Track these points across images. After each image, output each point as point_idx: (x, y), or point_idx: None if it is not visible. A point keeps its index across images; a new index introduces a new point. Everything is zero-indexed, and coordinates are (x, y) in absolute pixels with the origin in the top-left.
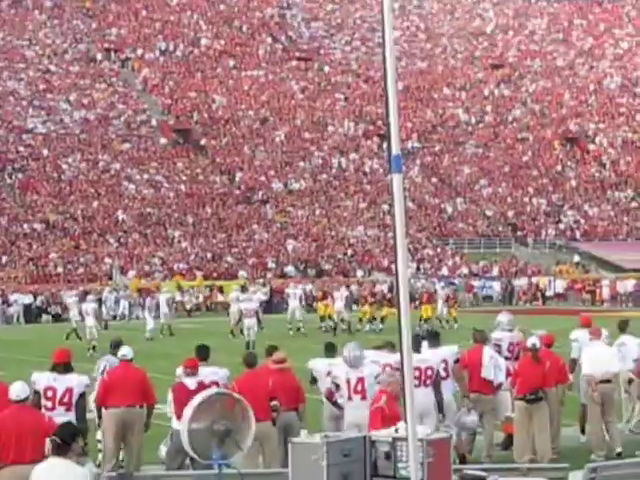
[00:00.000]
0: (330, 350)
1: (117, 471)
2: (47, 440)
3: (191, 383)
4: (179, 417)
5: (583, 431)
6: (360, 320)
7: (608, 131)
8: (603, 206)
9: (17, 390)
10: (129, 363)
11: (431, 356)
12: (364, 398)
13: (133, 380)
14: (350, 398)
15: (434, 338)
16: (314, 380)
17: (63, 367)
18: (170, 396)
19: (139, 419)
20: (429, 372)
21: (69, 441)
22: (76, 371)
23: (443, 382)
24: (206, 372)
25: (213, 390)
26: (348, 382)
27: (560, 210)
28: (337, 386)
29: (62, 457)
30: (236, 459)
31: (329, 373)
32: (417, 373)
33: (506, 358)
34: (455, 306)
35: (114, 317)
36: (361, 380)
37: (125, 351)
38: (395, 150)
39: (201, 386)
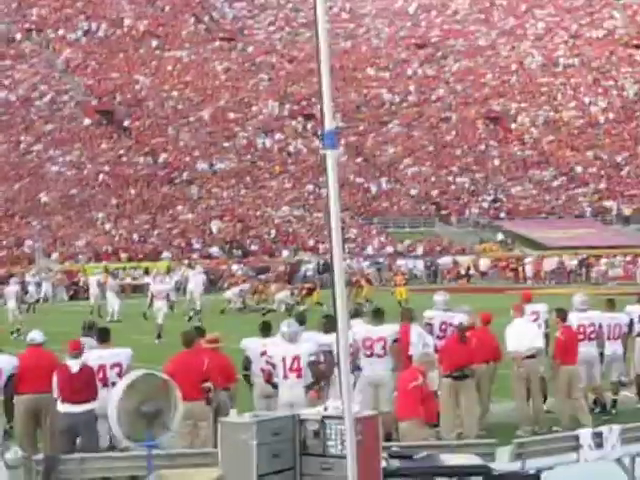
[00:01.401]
0: (265, 330)
1: (40, 455)
2: None
3: (74, 365)
4: (63, 400)
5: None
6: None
7: (530, 110)
8: (525, 184)
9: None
10: (39, 347)
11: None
12: (299, 377)
13: (44, 365)
14: (286, 376)
15: (377, 316)
16: (248, 362)
17: None
18: (54, 379)
19: (52, 404)
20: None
21: None
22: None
23: (379, 359)
24: (107, 354)
25: (141, 371)
26: (284, 360)
27: (484, 189)
28: (274, 366)
29: None
30: (166, 440)
31: (264, 353)
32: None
33: (438, 337)
34: (404, 287)
35: (37, 300)
36: (297, 358)
37: (34, 335)
38: (329, 125)
39: (85, 368)
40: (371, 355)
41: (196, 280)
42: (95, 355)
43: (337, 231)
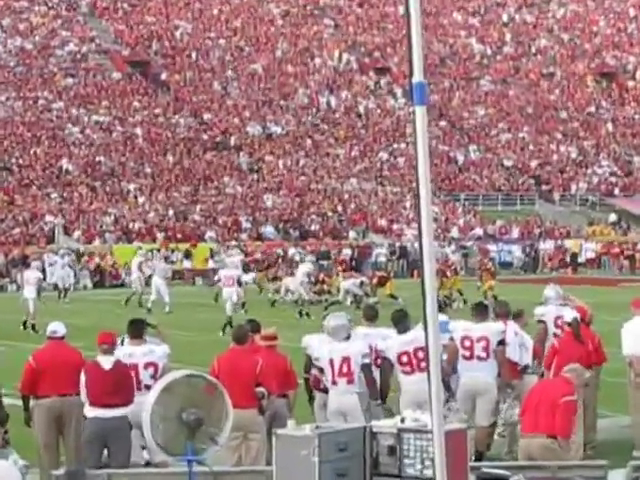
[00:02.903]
0: None
1: (63, 469)
2: None
3: (106, 362)
4: (91, 403)
5: None
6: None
7: None
8: None
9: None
10: (61, 342)
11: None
12: (351, 382)
13: (68, 362)
14: (334, 382)
15: (479, 311)
16: (310, 363)
17: None
18: (82, 378)
19: (76, 408)
20: (420, 354)
21: None
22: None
23: (481, 363)
24: (139, 352)
25: (182, 372)
26: (331, 363)
27: (595, 159)
28: (321, 370)
29: None
30: (212, 454)
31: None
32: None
33: (555, 335)
34: (492, 276)
35: (55, 286)
36: (347, 360)
37: (56, 327)
38: (418, 77)
39: (119, 366)
40: (470, 358)
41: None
42: (125, 353)
43: (427, 206)
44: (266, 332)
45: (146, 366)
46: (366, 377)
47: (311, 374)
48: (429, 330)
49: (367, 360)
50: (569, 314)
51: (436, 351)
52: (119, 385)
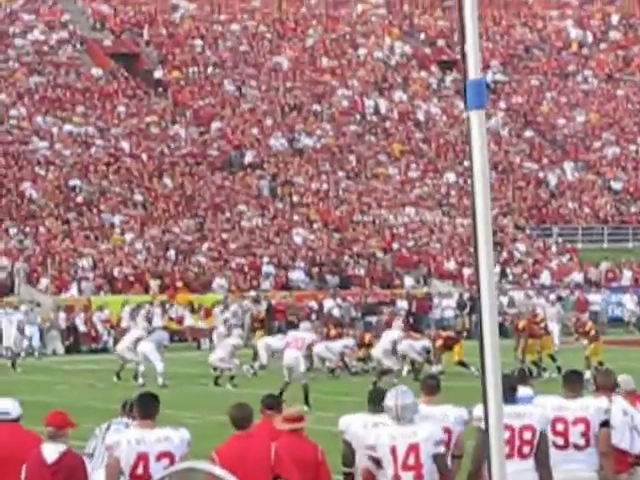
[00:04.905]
0: (377, 401)
1: None
2: None
3: (50, 453)
4: None
5: None
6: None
7: None
8: None
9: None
10: (14, 426)
11: (532, 409)
12: (420, 477)
13: (23, 453)
14: (398, 477)
15: (573, 383)
16: (350, 453)
17: None
18: (23, 473)
19: None
20: (527, 435)
21: None
22: None
23: (578, 453)
24: (151, 438)
25: (184, 464)
26: (394, 452)
27: None
28: (378, 462)
29: None
30: None
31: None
32: (507, 435)
33: None
34: (598, 340)
35: (17, 354)
36: (415, 449)
37: (7, 405)
38: (473, 73)
39: (67, 457)
40: (564, 446)
41: None
42: (132, 438)
43: (487, 242)
44: (288, 412)
45: (159, 457)
46: (441, 471)
47: (363, 468)
48: (490, 410)
49: (441, 449)
50: None
51: (499, 439)
52: None
